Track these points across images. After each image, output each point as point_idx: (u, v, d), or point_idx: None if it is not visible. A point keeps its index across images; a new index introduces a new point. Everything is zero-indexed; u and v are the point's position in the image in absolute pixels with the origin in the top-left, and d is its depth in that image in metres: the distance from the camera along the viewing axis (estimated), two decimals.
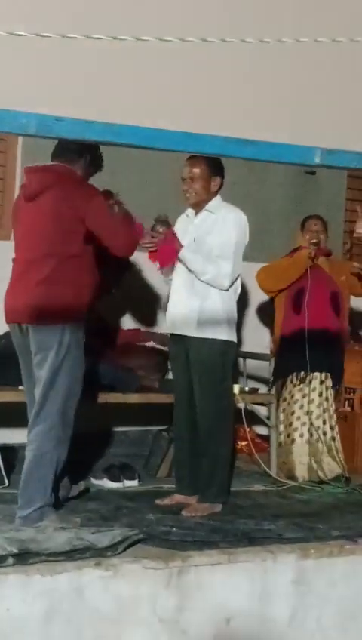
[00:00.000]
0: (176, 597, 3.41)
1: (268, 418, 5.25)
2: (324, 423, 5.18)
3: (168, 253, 4.29)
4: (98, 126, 1.89)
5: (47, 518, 3.72)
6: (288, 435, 5.16)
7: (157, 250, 4.30)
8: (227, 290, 4.33)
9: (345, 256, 6.81)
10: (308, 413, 5.13)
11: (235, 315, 4.43)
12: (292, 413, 5.15)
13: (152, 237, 4.27)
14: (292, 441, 5.13)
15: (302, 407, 5.15)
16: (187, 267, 4.31)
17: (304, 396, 5.14)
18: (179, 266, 4.36)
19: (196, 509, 4.22)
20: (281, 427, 5.18)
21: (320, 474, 5.07)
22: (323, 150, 2.24)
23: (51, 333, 3.74)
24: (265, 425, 5.37)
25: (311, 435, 5.12)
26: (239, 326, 5.78)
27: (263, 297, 5.69)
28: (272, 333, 5.48)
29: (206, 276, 4.27)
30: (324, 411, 5.17)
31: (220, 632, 3.46)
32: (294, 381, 5.16)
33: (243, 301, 6.05)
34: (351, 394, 5.54)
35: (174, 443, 4.65)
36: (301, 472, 5.07)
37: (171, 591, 3.40)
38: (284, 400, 5.19)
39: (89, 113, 2.28)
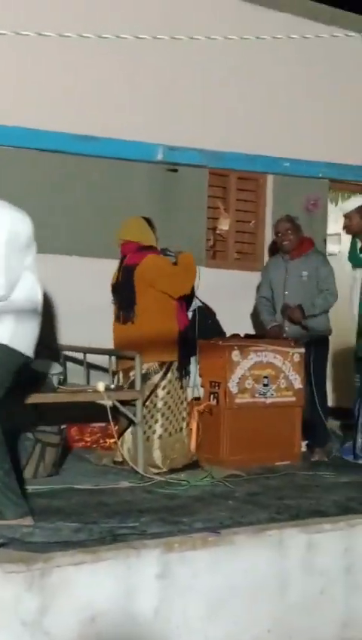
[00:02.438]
0: (38, 599, 3.37)
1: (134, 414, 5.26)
2: (186, 410, 5.40)
3: None
4: None
5: None
6: (170, 425, 5.32)
7: None
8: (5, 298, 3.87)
9: (209, 253, 6.93)
10: (183, 403, 5.37)
11: (25, 315, 3.99)
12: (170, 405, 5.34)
13: None
14: (181, 429, 5.34)
15: (178, 398, 5.36)
16: None
17: (180, 388, 5.37)
18: None
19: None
20: (159, 420, 5.28)
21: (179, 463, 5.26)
22: (165, 147, 2.25)
23: None
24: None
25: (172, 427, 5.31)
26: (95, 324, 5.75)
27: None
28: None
29: None
30: (183, 401, 5.41)
31: (85, 631, 3.44)
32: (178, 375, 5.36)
33: (99, 297, 5.98)
34: (216, 388, 5.63)
35: None
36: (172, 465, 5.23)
37: (33, 593, 3.36)
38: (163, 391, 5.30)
39: None
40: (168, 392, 5.31)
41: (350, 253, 6.17)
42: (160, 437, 5.28)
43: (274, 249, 6.62)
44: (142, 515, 4.17)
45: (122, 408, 5.18)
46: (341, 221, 6.34)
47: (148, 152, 2.09)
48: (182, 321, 5.44)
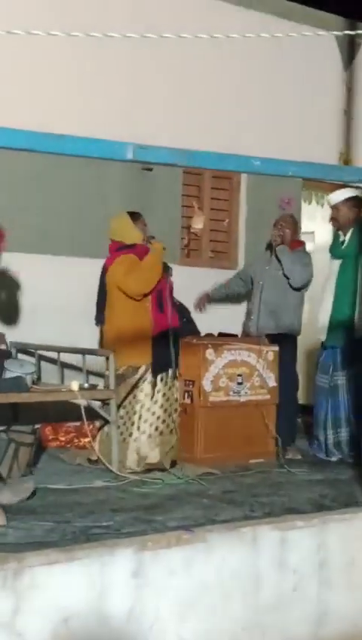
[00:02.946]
0: (11, 599, 3.36)
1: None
2: (176, 412, 5.35)
3: None
4: None
5: None
6: (156, 429, 5.27)
7: None
8: None
9: (183, 251, 6.94)
10: (171, 405, 5.30)
11: None
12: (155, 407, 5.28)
13: None
14: (161, 432, 5.27)
15: (165, 401, 5.29)
16: None
17: (169, 390, 5.30)
18: None
19: None
20: (135, 423, 5.24)
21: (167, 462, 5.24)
22: (136, 146, 2.25)
23: None
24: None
25: (152, 429, 5.26)
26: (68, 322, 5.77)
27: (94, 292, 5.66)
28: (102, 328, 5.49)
29: None
30: (176, 401, 5.36)
31: (58, 632, 3.44)
32: (166, 378, 5.28)
33: (72, 296, 6.01)
34: (191, 386, 5.64)
35: None
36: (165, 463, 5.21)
37: (6, 593, 3.35)
38: (141, 395, 5.25)
39: None
40: (147, 395, 5.26)
41: (332, 245, 6.19)
42: (135, 440, 5.24)
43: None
44: (116, 514, 4.17)
45: (96, 407, 5.17)
46: (327, 212, 6.30)
47: (118, 151, 2.10)
48: (159, 324, 5.29)
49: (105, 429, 5.28)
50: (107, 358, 5.17)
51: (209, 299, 6.57)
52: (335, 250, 6.08)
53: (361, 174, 3.01)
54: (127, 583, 3.65)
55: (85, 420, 5.06)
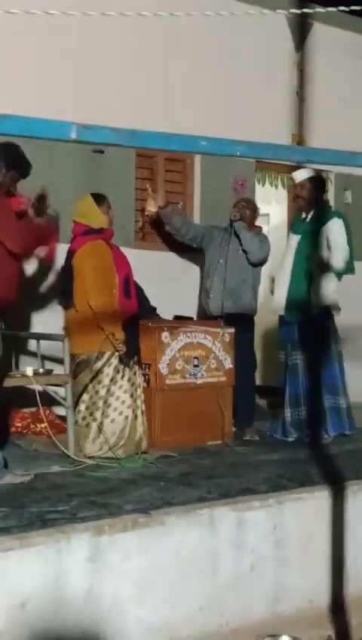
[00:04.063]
0: None
1: (65, 399, 5.21)
2: (140, 398, 5.31)
3: None
4: None
5: None
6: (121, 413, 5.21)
7: None
8: None
9: (138, 234, 6.90)
10: (136, 391, 5.26)
11: None
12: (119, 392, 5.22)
13: None
14: (127, 417, 5.20)
15: (130, 386, 5.25)
16: None
17: (134, 375, 5.27)
18: None
19: None
20: (100, 408, 5.18)
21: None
22: (79, 125, 2.22)
23: None
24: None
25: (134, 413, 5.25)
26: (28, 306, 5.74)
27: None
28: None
29: None
30: (140, 386, 5.32)
31: (14, 617, 3.42)
32: (131, 365, 5.23)
33: (31, 281, 6.00)
34: (147, 369, 5.62)
35: None
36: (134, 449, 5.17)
37: None
38: (110, 381, 5.20)
39: None
40: (112, 379, 5.19)
41: (293, 222, 6.21)
42: (100, 425, 5.17)
43: None
44: (72, 499, 4.16)
45: (53, 393, 5.13)
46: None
47: (60, 131, 2.06)
48: (126, 311, 5.22)
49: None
50: (62, 341, 5.13)
51: (164, 208, 6.51)
52: (296, 226, 6.10)
53: (310, 154, 3.02)
54: (84, 567, 3.64)
55: (40, 405, 5.03)
